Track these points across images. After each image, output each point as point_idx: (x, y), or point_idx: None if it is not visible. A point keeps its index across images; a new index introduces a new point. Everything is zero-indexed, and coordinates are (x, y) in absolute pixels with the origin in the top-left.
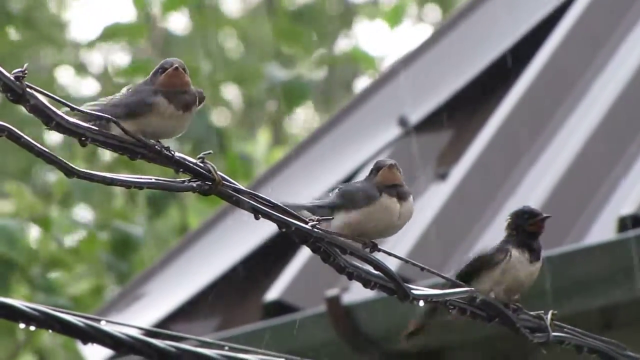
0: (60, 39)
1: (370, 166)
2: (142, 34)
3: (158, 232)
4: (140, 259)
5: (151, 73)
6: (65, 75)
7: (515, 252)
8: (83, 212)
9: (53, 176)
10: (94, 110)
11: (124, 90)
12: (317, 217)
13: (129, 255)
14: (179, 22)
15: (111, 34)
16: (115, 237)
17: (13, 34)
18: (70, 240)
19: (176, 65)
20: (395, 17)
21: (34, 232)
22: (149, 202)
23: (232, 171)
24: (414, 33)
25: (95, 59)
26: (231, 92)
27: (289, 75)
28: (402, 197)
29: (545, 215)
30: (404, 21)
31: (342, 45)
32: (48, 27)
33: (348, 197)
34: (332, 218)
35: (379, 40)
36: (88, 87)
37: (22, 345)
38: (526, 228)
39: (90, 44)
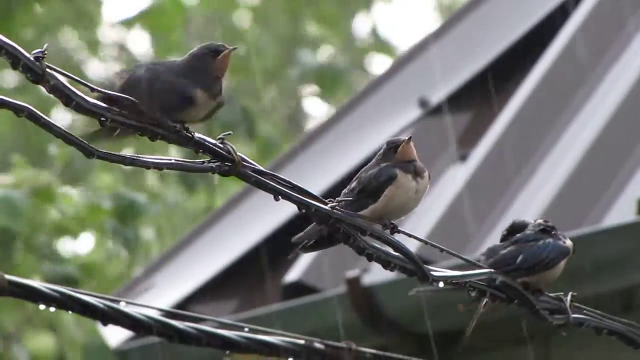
0: (96, 16)
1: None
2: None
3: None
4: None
5: (192, 55)
6: (90, 58)
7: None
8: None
9: (54, 148)
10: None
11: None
12: (337, 198)
13: (133, 221)
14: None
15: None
16: (119, 205)
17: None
18: (74, 209)
19: (230, 49)
20: None
21: (36, 203)
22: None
23: (261, 155)
24: (433, 14)
25: (118, 39)
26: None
27: (321, 61)
28: (418, 172)
29: None
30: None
31: (361, 26)
32: (84, 2)
33: (368, 189)
34: (352, 199)
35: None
36: (111, 69)
37: (31, 318)
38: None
39: (127, 23)
